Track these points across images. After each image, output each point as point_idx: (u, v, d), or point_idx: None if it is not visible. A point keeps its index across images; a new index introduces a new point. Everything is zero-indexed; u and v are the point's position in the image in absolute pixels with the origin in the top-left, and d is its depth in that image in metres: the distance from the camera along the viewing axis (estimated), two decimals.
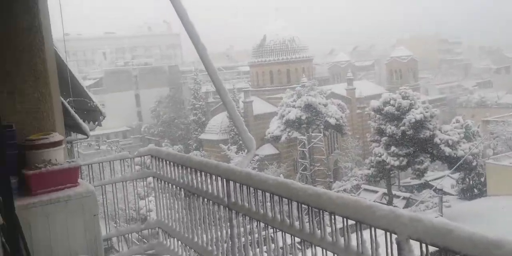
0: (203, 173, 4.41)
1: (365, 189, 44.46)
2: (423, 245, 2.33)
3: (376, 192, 42.56)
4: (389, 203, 38.04)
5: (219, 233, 4.30)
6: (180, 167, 4.85)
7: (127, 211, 5.43)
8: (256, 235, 3.74)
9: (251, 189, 3.71)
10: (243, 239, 3.96)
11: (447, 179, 40.30)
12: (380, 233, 2.59)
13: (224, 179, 4.05)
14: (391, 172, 38.61)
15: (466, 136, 39.01)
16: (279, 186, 3.37)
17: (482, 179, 38.26)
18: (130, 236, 5.56)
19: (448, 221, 2.28)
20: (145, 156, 5.42)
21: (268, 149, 53.48)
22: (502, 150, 42.10)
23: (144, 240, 5.67)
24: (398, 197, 40.41)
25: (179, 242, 5.10)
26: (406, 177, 47.45)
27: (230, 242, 4.08)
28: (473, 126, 42.24)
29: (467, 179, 39.76)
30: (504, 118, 47.68)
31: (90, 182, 4.92)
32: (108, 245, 5.44)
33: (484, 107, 68.62)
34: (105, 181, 5.30)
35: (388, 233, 2.53)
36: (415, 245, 2.43)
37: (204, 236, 4.57)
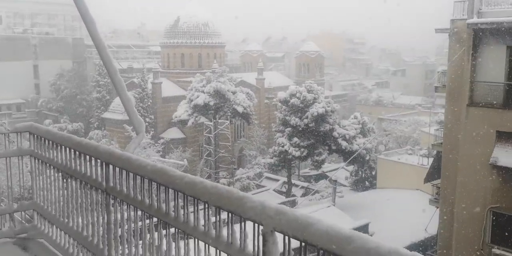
0: (82, 155, 4.17)
1: (267, 177, 45.68)
2: (286, 237, 2.37)
3: (277, 180, 43.93)
4: (288, 191, 39.44)
5: (95, 219, 4.11)
6: (59, 147, 4.56)
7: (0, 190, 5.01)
8: (133, 224, 3.62)
9: (130, 174, 3.57)
10: (120, 227, 3.82)
11: (342, 171, 42.57)
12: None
13: (104, 162, 3.86)
14: (292, 162, 39.90)
15: (362, 132, 41.35)
16: (157, 173, 3.27)
17: (373, 173, 40.94)
18: (0, 218, 5.15)
19: (311, 215, 2.33)
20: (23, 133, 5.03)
21: (174, 133, 52.77)
22: (393, 147, 45.32)
23: (16, 223, 5.28)
24: (297, 186, 42.03)
25: (54, 226, 4.81)
26: (305, 168, 49.43)
27: (106, 228, 3.92)
28: (369, 122, 44.89)
29: (360, 172, 42.31)
30: (396, 117, 51.20)
31: None
32: None
33: (380, 106, 73.22)
34: None
35: (256, 225, 2.54)
36: (280, 237, 2.47)
37: (80, 221, 4.35)
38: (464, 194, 18.13)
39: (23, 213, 5.23)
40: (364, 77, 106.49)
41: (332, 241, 2.12)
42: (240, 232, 2.67)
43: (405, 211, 28.63)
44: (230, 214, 2.71)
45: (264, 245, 2.47)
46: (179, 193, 3.08)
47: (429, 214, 24.94)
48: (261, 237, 2.50)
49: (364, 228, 23.81)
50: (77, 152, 4.25)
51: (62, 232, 4.65)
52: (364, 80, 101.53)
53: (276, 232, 2.44)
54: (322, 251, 2.19)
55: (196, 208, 2.98)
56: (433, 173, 23.74)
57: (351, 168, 43.43)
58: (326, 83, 76.06)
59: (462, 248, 18.24)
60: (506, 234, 16.80)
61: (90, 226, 4.19)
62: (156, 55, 70.92)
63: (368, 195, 37.23)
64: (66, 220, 4.56)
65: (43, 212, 4.98)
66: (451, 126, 19.24)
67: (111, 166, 3.79)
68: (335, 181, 36.54)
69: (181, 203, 3.10)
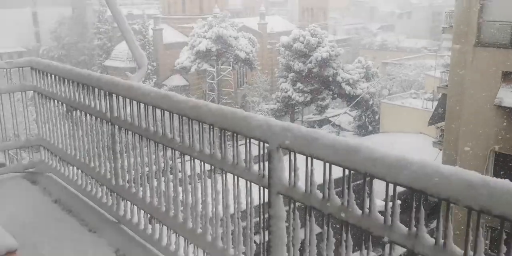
0: (85, 86, 4.14)
1: None
2: (292, 153, 2.37)
3: None
4: None
5: (101, 150, 4.14)
6: (62, 80, 4.52)
7: (4, 126, 5.03)
8: (138, 150, 3.64)
9: (134, 102, 3.55)
10: (127, 156, 3.86)
11: (345, 116, 42.66)
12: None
13: (107, 92, 3.84)
14: (295, 108, 39.96)
15: (366, 76, 41.00)
16: (161, 99, 3.25)
17: (377, 117, 40.99)
18: (7, 154, 5.21)
19: (318, 130, 2.32)
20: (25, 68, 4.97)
21: (177, 80, 52.42)
22: (397, 91, 45.02)
23: (24, 158, 5.35)
24: None
25: (62, 159, 4.88)
26: (309, 113, 49.48)
27: (113, 158, 3.96)
28: (373, 67, 44.36)
29: (363, 116, 42.35)
30: (401, 61, 50.46)
31: None
32: None
33: (384, 50, 71.90)
34: None
35: (261, 143, 2.55)
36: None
37: (87, 153, 4.39)
38: (468, 135, 18.22)
39: (30, 148, 5.28)
40: (369, 20, 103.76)
41: (338, 153, 2.12)
42: (246, 152, 2.68)
43: (408, 153, 28.84)
44: (235, 135, 2.71)
45: (270, 162, 2.48)
46: (183, 117, 3.08)
47: (432, 156, 25.21)
48: (266, 156, 2.51)
49: None
50: (80, 84, 4.22)
51: (69, 164, 4.72)
52: (368, 24, 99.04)
53: (281, 149, 2.45)
54: (328, 164, 2.20)
55: (201, 132, 2.98)
56: (437, 116, 23.76)
57: (354, 113, 43.46)
58: (330, 27, 74.41)
59: None
60: (508, 174, 17.04)
61: (97, 157, 4.23)
62: (156, 1, 69.02)
63: (371, 139, 37.47)
64: (73, 153, 4.61)
65: (50, 147, 5.03)
66: (457, 68, 18.98)
67: (114, 96, 3.77)
68: (339, 126, 36.74)
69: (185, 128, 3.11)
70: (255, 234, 2.77)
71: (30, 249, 3.72)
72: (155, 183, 3.52)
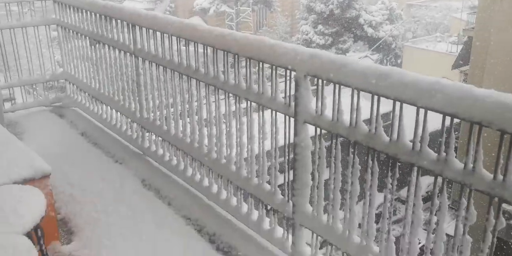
0: (108, 18, 4.09)
1: None
2: (319, 81, 2.35)
3: None
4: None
5: (125, 83, 4.16)
6: (84, 13, 4.47)
7: (31, 61, 5.06)
8: (162, 82, 3.65)
9: (158, 33, 3.51)
10: (150, 88, 3.87)
11: (366, 60, 41.78)
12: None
13: (130, 24, 3.79)
14: None
15: (389, 18, 39.62)
16: (185, 29, 3.20)
17: (399, 61, 40.07)
18: (35, 89, 5.28)
19: (346, 57, 2.27)
20: (47, 1, 4.91)
21: (196, 22, 51.27)
22: (421, 34, 43.64)
23: (49, 92, 5.44)
24: None
25: (86, 94, 4.93)
26: None
27: (137, 91, 3.98)
28: (397, 8, 42.71)
29: (385, 60, 41.39)
30: (426, 3, 48.48)
31: None
32: (11, 96, 5.16)
33: None
34: (0, 26, 4.82)
35: (288, 71, 2.52)
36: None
37: (111, 86, 4.42)
38: (492, 79, 17.80)
39: (56, 83, 5.34)
40: None
41: (367, 79, 2.08)
42: (271, 79, 2.66)
43: None
44: (260, 64, 2.68)
45: (296, 90, 2.46)
46: (208, 47, 3.04)
47: None
48: (293, 84, 2.49)
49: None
50: (102, 16, 4.16)
51: (94, 98, 4.77)
52: None
53: (309, 77, 2.42)
54: (357, 91, 2.17)
55: (226, 62, 2.95)
56: (462, 60, 23.19)
57: (375, 56, 42.45)
58: None
59: None
60: None
61: (121, 90, 4.26)
62: None
63: None
64: (97, 87, 4.64)
65: (74, 81, 5.07)
66: (485, 9, 18.20)
67: (137, 27, 3.72)
68: None
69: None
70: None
71: (61, 176, 3.86)
72: (180, 115, 3.56)
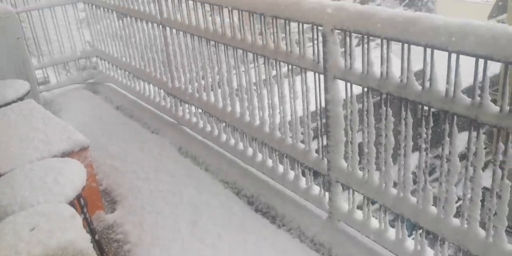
0: None
1: None
2: (347, 33, 2.30)
3: None
4: None
5: (155, 54, 4.20)
6: None
7: (62, 44, 5.16)
8: (191, 50, 3.66)
9: (182, 0, 3.51)
10: (180, 58, 3.89)
11: None
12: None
13: None
14: None
15: None
16: None
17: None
18: (68, 71, 5.39)
19: (374, 7, 2.21)
20: None
21: None
22: None
23: (82, 69, 5.55)
24: None
25: (118, 68, 5.01)
26: None
27: (167, 61, 4.02)
28: None
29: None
30: None
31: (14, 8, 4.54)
32: (46, 79, 5.30)
33: None
34: (29, 7, 4.91)
35: (315, 27, 2.48)
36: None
37: (142, 59, 4.47)
38: None
39: (87, 60, 5.44)
40: None
41: (396, 27, 2.03)
42: (299, 37, 2.63)
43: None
44: (287, 22, 2.65)
45: (324, 45, 2.43)
46: (233, 10, 3.02)
47: None
48: (320, 38, 2.45)
49: None
50: None
51: (126, 72, 4.84)
52: None
53: (336, 31, 2.38)
54: (386, 41, 2.12)
55: (252, 22, 2.93)
56: (499, 9, 22.13)
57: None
58: None
59: None
60: None
61: (152, 61, 4.31)
62: None
63: None
64: (128, 60, 4.71)
65: (105, 57, 5.16)
66: None
67: None
68: None
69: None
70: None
71: (101, 149, 3.98)
72: (211, 81, 3.58)
